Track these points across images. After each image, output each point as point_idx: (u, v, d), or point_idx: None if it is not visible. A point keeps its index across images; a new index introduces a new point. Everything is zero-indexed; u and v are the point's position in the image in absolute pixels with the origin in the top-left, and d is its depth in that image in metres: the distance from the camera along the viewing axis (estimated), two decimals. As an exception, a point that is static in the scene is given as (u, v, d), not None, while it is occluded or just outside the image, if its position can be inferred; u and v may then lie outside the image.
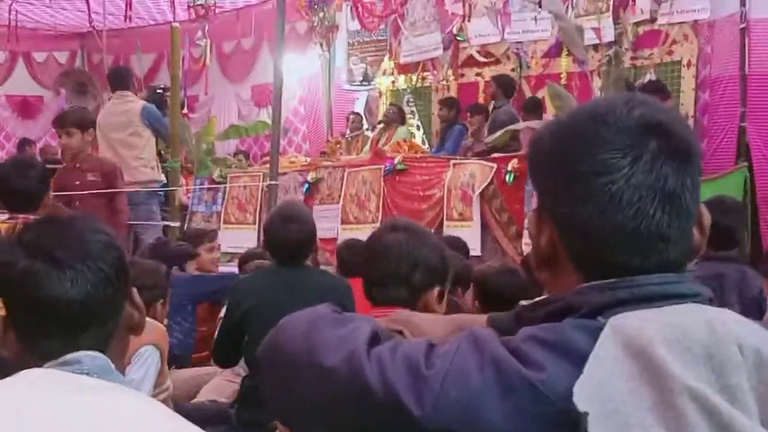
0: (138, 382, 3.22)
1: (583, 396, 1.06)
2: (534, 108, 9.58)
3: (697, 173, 1.23)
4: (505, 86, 10.03)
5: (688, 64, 8.99)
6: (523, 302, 1.32)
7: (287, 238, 4.08)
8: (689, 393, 1.05)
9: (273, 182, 7.37)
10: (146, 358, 3.30)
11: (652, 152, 1.18)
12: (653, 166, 1.18)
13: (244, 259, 5.88)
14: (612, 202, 1.18)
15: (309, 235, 4.18)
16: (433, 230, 8.47)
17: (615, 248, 1.19)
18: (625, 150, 1.18)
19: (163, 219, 7.74)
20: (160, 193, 7.90)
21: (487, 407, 1.10)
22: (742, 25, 8.10)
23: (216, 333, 4.49)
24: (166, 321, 3.84)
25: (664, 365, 1.06)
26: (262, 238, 4.74)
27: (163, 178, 7.92)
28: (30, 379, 1.37)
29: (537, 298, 1.30)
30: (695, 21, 8.81)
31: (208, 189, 10.46)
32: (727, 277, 4.21)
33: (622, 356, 1.08)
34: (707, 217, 1.27)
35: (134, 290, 1.66)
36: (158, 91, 9.55)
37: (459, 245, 5.95)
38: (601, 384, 1.07)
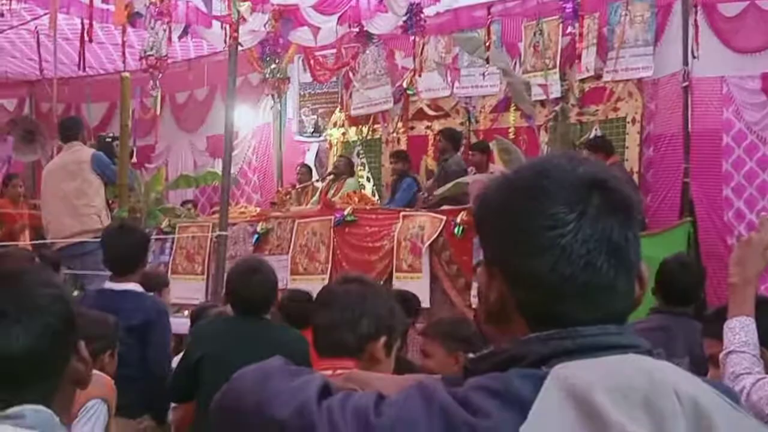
0: (83, 436, 3.16)
1: None
2: (482, 149, 9.67)
3: (637, 227, 1.28)
4: (453, 139, 10.12)
5: (633, 121, 9.17)
6: (470, 355, 1.34)
7: (250, 290, 4.09)
8: None
9: (222, 233, 7.35)
10: (93, 413, 3.25)
11: (596, 207, 1.23)
12: (598, 220, 1.23)
13: (197, 314, 5.82)
14: (563, 254, 1.22)
15: (272, 287, 4.22)
16: (382, 282, 8.49)
17: (564, 299, 1.23)
18: (572, 204, 1.23)
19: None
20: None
21: None
22: (685, 84, 8.30)
23: (173, 371, 4.47)
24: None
25: (605, 412, 1.09)
26: (223, 290, 4.75)
27: None
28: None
29: (483, 351, 1.32)
30: (639, 79, 9.01)
31: (156, 239, 10.36)
32: (674, 330, 4.27)
33: (565, 404, 1.11)
34: (645, 272, 1.32)
35: (81, 343, 1.63)
36: (107, 139, 9.50)
37: (410, 297, 5.98)
38: (545, 430, 1.10)
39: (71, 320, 1.57)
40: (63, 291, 1.60)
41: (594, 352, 1.20)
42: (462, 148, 10.27)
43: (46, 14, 10.34)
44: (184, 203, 12.44)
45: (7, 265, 1.67)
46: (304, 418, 1.20)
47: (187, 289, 9.60)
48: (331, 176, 11.30)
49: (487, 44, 9.54)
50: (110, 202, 8.27)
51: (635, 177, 8.81)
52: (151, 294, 5.09)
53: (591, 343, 1.21)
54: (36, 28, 11.59)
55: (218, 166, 12.47)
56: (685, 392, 1.14)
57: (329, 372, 2.38)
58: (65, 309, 1.56)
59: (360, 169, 11.65)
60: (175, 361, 5.10)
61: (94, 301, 4.54)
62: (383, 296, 2.67)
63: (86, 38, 10.29)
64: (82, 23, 10.53)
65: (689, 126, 8.27)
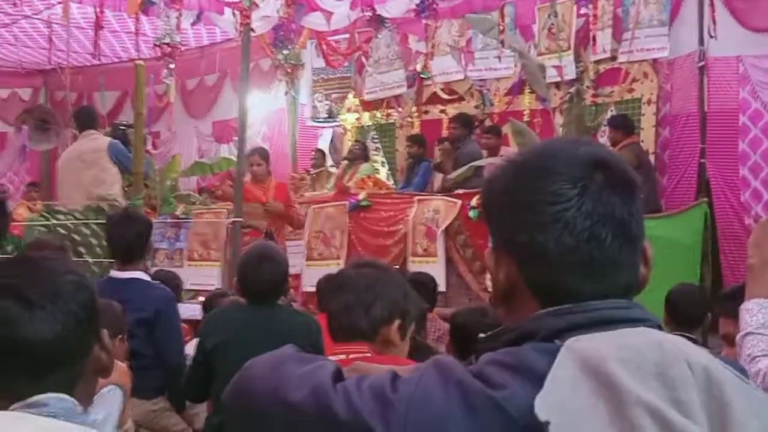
0: (101, 423, 3.17)
1: (543, 407, 1.10)
2: (496, 133, 9.70)
3: (639, 204, 1.31)
4: (467, 125, 10.11)
5: (649, 102, 9.11)
6: (481, 335, 1.35)
7: (261, 278, 4.09)
8: (644, 406, 1.10)
9: (237, 219, 7.36)
10: (109, 398, 3.26)
11: (598, 183, 1.26)
12: (601, 195, 1.26)
13: (209, 303, 5.84)
14: (566, 227, 1.24)
15: (283, 275, 4.22)
16: (397, 266, 8.50)
17: (571, 273, 1.25)
18: (575, 180, 1.26)
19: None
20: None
21: (454, 427, 1.13)
22: (701, 64, 8.23)
23: (188, 366, 4.47)
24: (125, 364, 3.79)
25: (620, 382, 1.11)
26: (235, 277, 4.76)
27: None
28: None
29: (495, 329, 1.34)
30: (655, 59, 8.96)
31: (171, 226, 10.38)
32: None
33: (580, 375, 1.13)
34: (651, 251, 1.33)
35: (104, 332, 1.64)
36: (121, 127, 9.51)
37: (428, 280, 5.99)
38: (561, 400, 1.11)
39: (94, 308, 1.58)
40: (85, 279, 1.60)
41: (605, 325, 1.22)
42: (476, 130, 10.25)
43: (59, 3, 10.38)
44: (201, 190, 12.47)
45: (31, 253, 1.68)
46: (319, 400, 1.21)
47: (203, 276, 9.63)
48: (346, 162, 11.31)
49: (501, 27, 9.50)
50: (124, 190, 8.29)
51: (651, 158, 8.77)
52: (158, 282, 5.07)
53: (602, 316, 1.23)
54: (49, 17, 11.62)
55: (223, 152, 12.52)
56: (696, 362, 1.16)
57: (343, 356, 2.39)
58: (88, 297, 1.57)
59: (375, 154, 11.64)
60: (189, 346, 5.13)
61: (100, 290, 4.52)
62: (397, 280, 2.67)
63: (99, 27, 10.35)
64: (95, 12, 10.57)
65: (705, 106, 8.21)
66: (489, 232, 1.38)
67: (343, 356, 2.39)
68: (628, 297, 1.29)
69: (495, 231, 1.36)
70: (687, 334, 4.62)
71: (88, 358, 1.58)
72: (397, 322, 2.56)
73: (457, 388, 1.16)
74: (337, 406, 1.19)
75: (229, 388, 1.36)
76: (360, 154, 11.06)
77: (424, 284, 5.89)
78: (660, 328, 1.27)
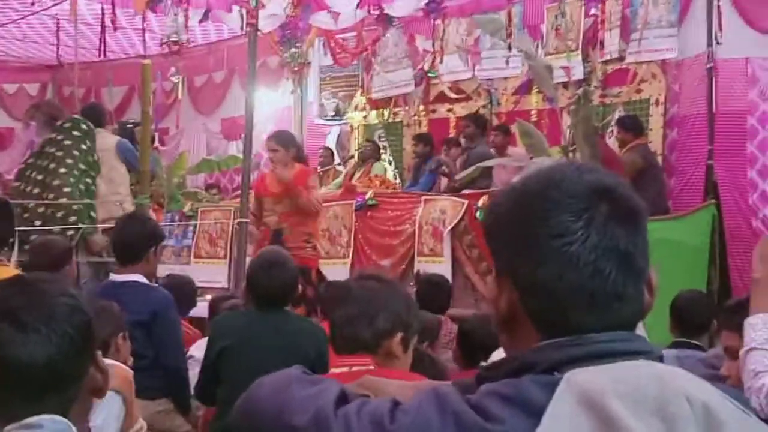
0: (98, 428, 3.16)
1: None
2: (504, 131, 9.69)
3: (645, 234, 1.29)
4: (480, 123, 10.11)
5: (657, 103, 9.08)
6: (483, 364, 1.35)
7: (271, 284, 4.09)
8: None
9: (243, 220, 7.36)
10: (105, 405, 3.23)
11: (604, 215, 1.24)
12: (606, 228, 1.24)
13: (214, 306, 5.85)
14: (570, 262, 1.23)
15: (292, 281, 4.22)
16: (403, 266, 8.51)
17: (573, 307, 1.24)
18: (579, 213, 1.24)
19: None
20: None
21: None
22: (710, 65, 8.20)
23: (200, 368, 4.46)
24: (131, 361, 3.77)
25: (618, 417, 1.10)
26: (243, 283, 4.76)
27: None
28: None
29: (496, 359, 1.34)
30: (663, 60, 8.92)
31: (179, 223, 10.41)
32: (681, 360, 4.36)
33: (578, 410, 1.12)
34: (656, 280, 1.32)
35: (98, 353, 1.65)
36: (129, 125, 9.53)
37: (443, 281, 6.01)
38: None
39: (89, 330, 1.59)
40: (80, 301, 1.60)
41: (606, 358, 1.21)
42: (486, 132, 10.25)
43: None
44: (208, 187, 12.49)
45: (27, 275, 1.68)
46: (320, 425, 1.23)
47: (210, 273, 9.66)
48: (353, 159, 11.31)
49: (509, 29, 9.48)
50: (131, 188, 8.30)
51: (659, 159, 8.75)
52: (156, 285, 5.04)
53: (603, 349, 1.22)
54: (57, 13, 11.64)
55: (232, 150, 12.52)
56: (696, 397, 1.15)
57: (346, 369, 2.39)
58: (83, 319, 1.58)
59: (381, 153, 11.64)
60: (196, 347, 5.13)
61: (98, 293, 4.52)
62: (400, 293, 2.68)
63: (107, 24, 10.35)
64: (102, 9, 10.58)
65: (713, 108, 8.19)
66: (492, 257, 1.37)
67: (346, 369, 2.40)
68: (632, 328, 1.28)
69: (497, 258, 1.36)
70: (692, 341, 4.67)
71: (84, 379, 1.59)
72: (399, 335, 2.56)
73: (453, 420, 1.16)
74: None
75: (235, 406, 1.38)
76: (371, 154, 11.07)
77: (439, 285, 5.92)
78: (661, 359, 1.26)
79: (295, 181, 7.13)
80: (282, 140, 7.46)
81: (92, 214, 7.48)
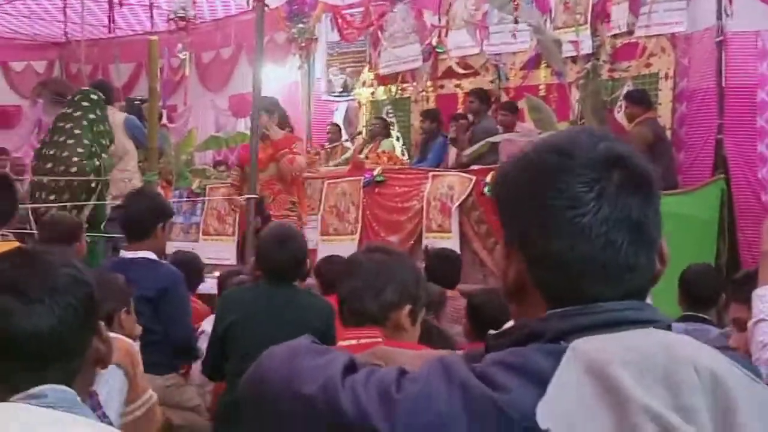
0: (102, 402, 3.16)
1: (545, 415, 1.11)
2: (512, 109, 9.64)
3: (657, 203, 1.28)
4: (485, 99, 10.07)
5: (666, 77, 9.03)
6: (491, 332, 1.35)
7: (280, 259, 4.10)
8: (647, 412, 1.09)
9: (252, 196, 7.36)
10: (107, 379, 3.24)
11: (616, 184, 1.23)
12: (618, 198, 1.23)
13: (222, 282, 5.87)
14: (582, 234, 1.22)
15: (302, 256, 4.23)
16: (411, 242, 8.51)
17: (585, 279, 1.23)
18: (592, 183, 1.22)
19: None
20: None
21: (455, 428, 1.14)
22: (719, 39, 8.15)
23: (208, 343, 4.48)
24: (139, 329, 3.78)
25: (623, 386, 1.11)
26: (253, 258, 4.76)
27: None
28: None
29: (503, 328, 1.33)
30: (672, 34, 8.86)
31: (187, 200, 10.42)
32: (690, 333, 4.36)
33: (584, 378, 1.13)
34: (666, 248, 1.31)
35: (102, 324, 1.65)
36: (136, 102, 9.52)
37: (453, 256, 6.01)
38: (564, 405, 1.11)
39: (92, 301, 1.59)
40: (82, 272, 1.60)
41: (613, 327, 1.20)
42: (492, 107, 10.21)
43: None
44: (216, 164, 12.49)
45: (30, 247, 1.69)
46: (329, 394, 1.23)
47: (219, 250, 9.69)
48: (361, 135, 11.29)
49: (516, 2, 9.42)
50: (139, 165, 8.31)
51: (668, 133, 8.71)
52: (165, 261, 5.05)
53: (610, 318, 1.22)
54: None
55: (240, 126, 12.51)
56: (704, 366, 1.15)
57: (354, 342, 2.39)
58: (86, 290, 1.58)
59: (391, 129, 11.61)
60: (206, 322, 5.15)
61: (107, 269, 4.52)
62: (408, 265, 2.68)
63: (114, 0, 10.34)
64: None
65: (723, 81, 8.14)
66: (501, 226, 1.36)
67: (354, 341, 2.40)
68: (642, 297, 1.27)
69: (507, 227, 1.34)
70: (701, 315, 4.66)
71: (87, 350, 1.60)
72: (407, 307, 2.57)
73: (460, 389, 1.16)
74: (344, 402, 1.21)
75: (244, 377, 1.39)
76: (380, 131, 11.05)
77: (449, 259, 5.92)
78: (670, 328, 1.25)
79: (282, 143, 7.28)
80: (265, 105, 7.64)
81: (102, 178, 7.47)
